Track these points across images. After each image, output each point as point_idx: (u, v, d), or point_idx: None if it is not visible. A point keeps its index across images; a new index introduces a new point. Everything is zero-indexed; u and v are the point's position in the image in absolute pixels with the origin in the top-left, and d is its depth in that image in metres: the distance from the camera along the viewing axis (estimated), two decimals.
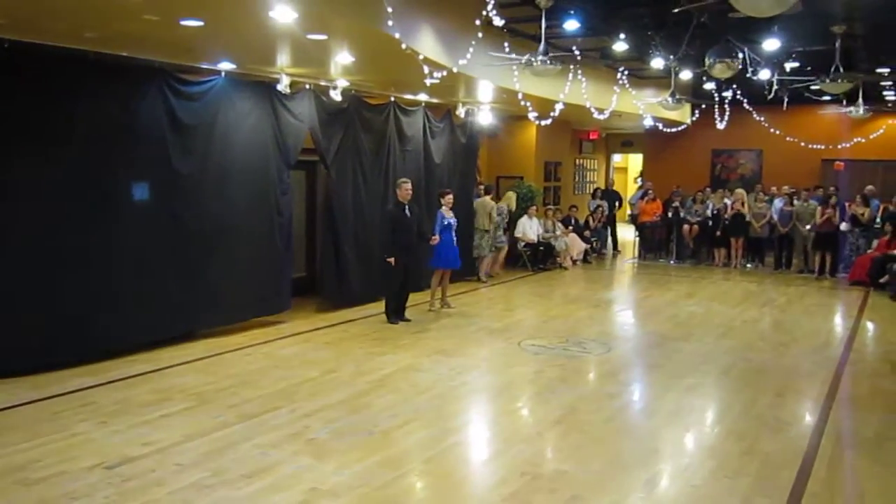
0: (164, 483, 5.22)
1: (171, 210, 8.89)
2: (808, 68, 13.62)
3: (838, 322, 11.86)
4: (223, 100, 9.44)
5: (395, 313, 10.59)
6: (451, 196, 11.53)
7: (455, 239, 11.50)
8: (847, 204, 15.92)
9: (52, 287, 7.74)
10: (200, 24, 6.93)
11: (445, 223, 11.30)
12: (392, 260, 10.32)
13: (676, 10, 9.39)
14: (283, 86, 10.15)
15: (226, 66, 9.39)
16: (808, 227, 15.79)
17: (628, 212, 20.10)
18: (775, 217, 16.54)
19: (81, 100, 7.91)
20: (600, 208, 19.10)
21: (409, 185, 10.62)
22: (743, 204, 16.80)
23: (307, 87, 10.65)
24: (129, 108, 8.36)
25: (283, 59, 9.30)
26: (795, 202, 16.30)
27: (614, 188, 21.44)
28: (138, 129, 8.45)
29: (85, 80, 7.95)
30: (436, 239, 11.01)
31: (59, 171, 7.75)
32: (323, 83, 10.91)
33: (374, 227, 11.60)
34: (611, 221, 19.45)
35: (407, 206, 10.52)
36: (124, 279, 8.37)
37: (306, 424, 6.47)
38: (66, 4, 6.32)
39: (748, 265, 17.14)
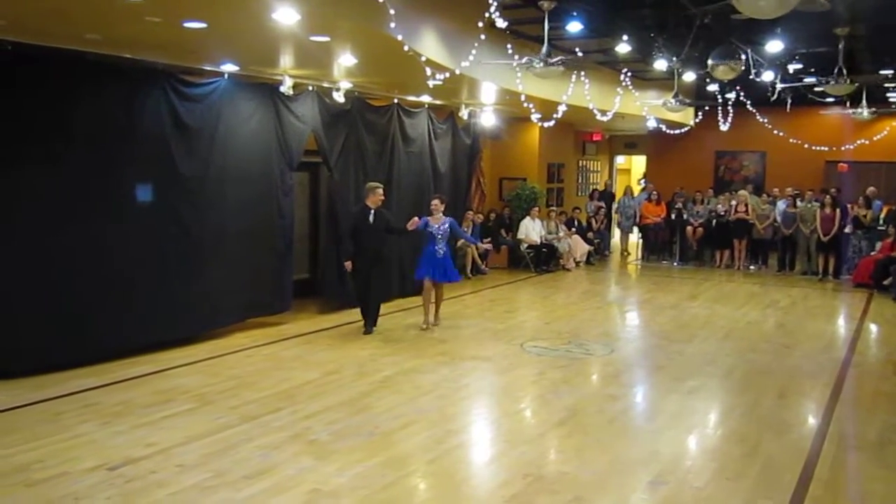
0: (165, 484, 5.22)
1: (173, 211, 8.90)
2: (812, 70, 13.62)
3: (841, 324, 11.83)
4: (226, 101, 9.45)
5: (367, 322, 10.21)
6: (436, 201, 10.41)
7: (444, 250, 10.26)
8: (850, 206, 15.90)
9: (54, 288, 7.75)
10: (203, 25, 6.94)
11: (428, 231, 10.22)
12: (348, 264, 10.03)
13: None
14: (286, 87, 10.16)
15: (229, 67, 9.39)
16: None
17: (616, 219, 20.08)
18: (778, 219, 16.53)
19: (84, 101, 7.92)
20: (602, 210, 19.11)
21: (381, 191, 10.06)
22: (746, 206, 16.78)
23: (310, 88, 10.66)
24: (131, 109, 8.37)
25: (286, 60, 9.31)
26: (799, 204, 16.27)
27: (611, 190, 21.46)
28: (141, 131, 8.46)
29: (87, 82, 7.98)
30: (414, 222, 10.02)
31: (61, 173, 7.77)
32: (326, 85, 10.92)
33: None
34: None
35: (372, 212, 9.94)
36: (126, 281, 8.37)
37: (308, 426, 6.46)
38: (69, 6, 6.32)
39: (751, 267, 17.13)
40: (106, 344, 8.21)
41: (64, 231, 7.80)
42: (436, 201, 10.40)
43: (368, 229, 9.96)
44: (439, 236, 10.18)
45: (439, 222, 10.22)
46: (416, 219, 10.16)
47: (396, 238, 10.79)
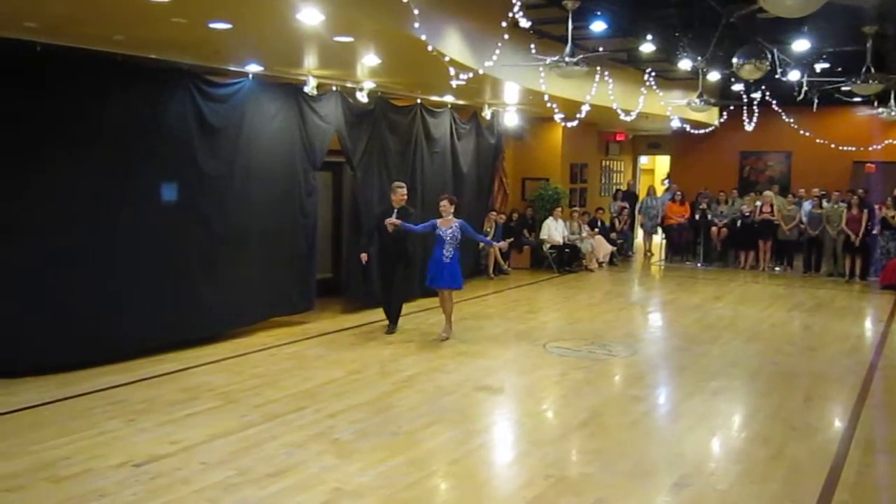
0: (189, 481, 5.27)
1: (198, 211, 8.97)
2: (839, 69, 13.46)
3: (868, 326, 11.69)
4: (250, 101, 9.51)
5: (392, 319, 10.26)
6: (444, 202, 9.71)
7: (451, 254, 9.55)
8: (877, 206, 15.70)
9: (81, 286, 7.83)
10: (228, 26, 6.98)
11: (436, 234, 9.60)
12: (364, 256, 10.11)
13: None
14: (310, 88, 10.20)
15: (253, 68, 9.45)
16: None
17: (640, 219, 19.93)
18: (804, 220, 16.37)
19: (110, 102, 8.01)
20: (625, 210, 19.02)
21: (402, 190, 9.98)
22: (771, 206, 16.64)
23: (334, 88, 10.69)
24: (156, 109, 8.45)
25: (309, 61, 9.35)
26: (825, 204, 16.11)
27: (635, 191, 21.34)
28: (166, 131, 8.54)
29: (114, 82, 8.06)
30: (391, 222, 9.53)
31: (87, 172, 7.86)
32: (349, 85, 10.95)
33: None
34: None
35: (396, 211, 9.81)
36: (151, 279, 8.45)
37: (331, 424, 6.49)
38: (97, 8, 6.39)
39: (776, 268, 16.97)
40: (132, 342, 8.29)
41: (91, 230, 7.90)
42: (444, 202, 9.70)
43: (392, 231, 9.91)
44: (448, 239, 9.50)
45: (448, 225, 9.54)
46: (393, 219, 9.62)
47: (421, 237, 10.66)
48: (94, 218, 7.91)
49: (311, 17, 6.43)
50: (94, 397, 7.10)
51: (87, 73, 7.83)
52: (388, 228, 9.62)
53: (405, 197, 10.10)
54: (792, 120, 18.39)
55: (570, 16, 9.11)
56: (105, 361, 7.99)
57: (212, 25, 6.95)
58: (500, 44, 9.02)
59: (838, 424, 6.97)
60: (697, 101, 13.39)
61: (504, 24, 8.63)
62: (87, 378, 7.60)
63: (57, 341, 7.66)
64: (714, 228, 17.58)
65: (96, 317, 7.95)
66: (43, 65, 7.45)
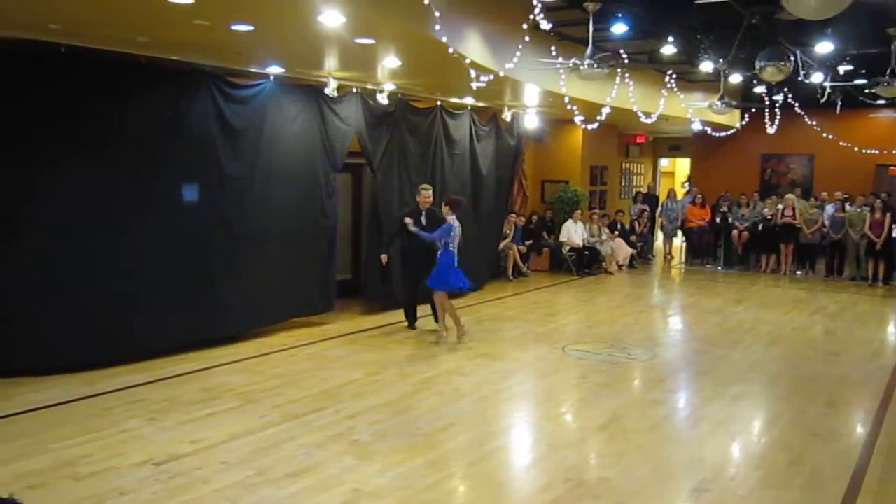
0: (209, 481, 5.30)
1: (219, 212, 9.03)
2: (863, 71, 13.33)
3: (891, 331, 11.58)
4: (271, 103, 9.55)
5: (410, 317, 10.47)
6: (446, 207, 9.68)
7: (447, 256, 9.53)
8: None
9: (103, 286, 7.90)
10: (250, 28, 7.02)
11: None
12: (384, 257, 10.21)
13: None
14: (331, 89, 10.24)
15: (274, 69, 9.49)
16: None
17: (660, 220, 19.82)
18: (827, 223, 16.23)
19: (133, 102, 8.09)
20: (645, 213, 18.94)
21: (428, 192, 10.25)
22: (793, 210, 16.51)
23: (354, 90, 10.72)
24: (178, 110, 8.51)
25: (330, 62, 9.38)
26: (848, 208, 15.96)
27: (655, 193, 21.23)
28: (188, 132, 8.60)
29: (136, 84, 8.14)
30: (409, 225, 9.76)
31: (110, 173, 7.93)
32: (370, 87, 10.97)
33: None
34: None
35: (423, 213, 10.10)
36: (173, 279, 8.52)
37: (350, 425, 6.50)
38: (121, 10, 6.44)
39: (798, 272, 16.83)
40: (153, 341, 8.35)
41: (114, 230, 7.97)
42: (446, 207, 9.68)
43: (420, 229, 10.00)
44: (450, 243, 9.51)
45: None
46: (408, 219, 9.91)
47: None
48: (116, 218, 7.98)
49: (332, 19, 6.45)
50: (115, 396, 7.16)
51: (110, 75, 7.89)
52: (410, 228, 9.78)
53: (430, 199, 10.21)
54: (814, 122, 18.23)
55: (591, 18, 9.08)
56: (126, 361, 8.05)
57: (234, 27, 6.99)
58: (520, 46, 9.00)
59: (860, 430, 6.90)
60: (719, 103, 13.31)
61: (525, 26, 8.62)
62: (108, 377, 7.66)
63: (78, 341, 7.72)
64: (735, 231, 17.45)
65: (118, 316, 8.01)
66: (67, 66, 7.52)
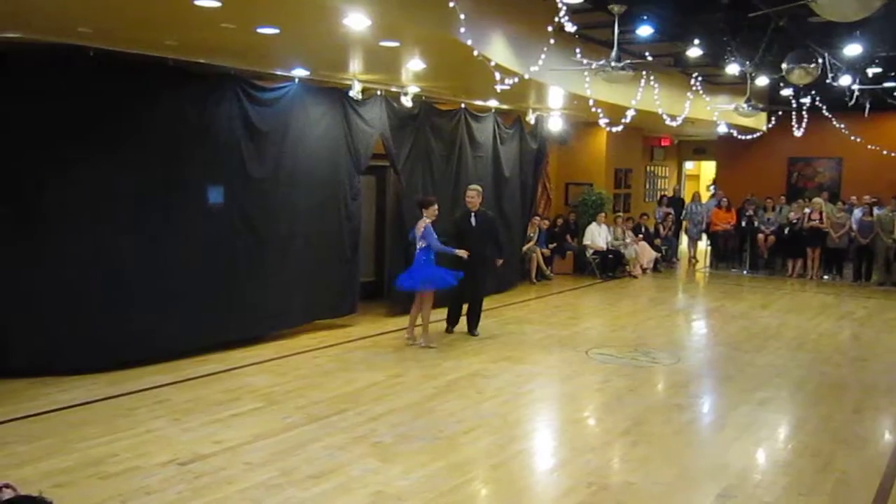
0: (233, 481, 5.33)
1: (243, 214, 9.09)
2: (892, 73, 13.18)
3: None
4: (296, 105, 9.61)
5: (452, 320, 10.45)
6: (434, 207, 9.56)
7: (427, 257, 9.46)
8: None
9: (127, 288, 7.99)
10: (276, 31, 7.06)
11: (414, 237, 9.54)
12: (464, 253, 9.63)
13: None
14: (355, 92, 10.26)
15: (299, 72, 9.54)
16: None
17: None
18: (855, 227, 16.04)
19: (159, 105, 8.18)
20: (670, 216, 18.83)
21: (475, 193, 10.21)
22: (820, 214, 16.34)
23: (378, 93, 10.75)
24: (204, 113, 8.59)
25: (355, 65, 9.40)
26: (876, 212, 15.76)
27: (680, 196, 21.11)
28: (213, 134, 8.68)
29: (163, 86, 8.22)
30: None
31: (136, 175, 8.02)
32: (394, 89, 10.99)
33: (443, 233, 11.53)
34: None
35: (473, 215, 10.14)
36: (197, 281, 8.58)
37: (373, 427, 6.52)
38: (150, 14, 6.50)
39: (825, 277, 16.65)
40: (177, 342, 8.41)
41: (140, 231, 8.06)
42: (434, 207, 9.60)
43: (471, 232, 9.99)
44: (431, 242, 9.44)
45: (422, 227, 9.47)
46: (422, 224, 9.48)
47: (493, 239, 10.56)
48: (142, 219, 8.07)
49: (357, 23, 6.47)
50: (140, 396, 7.22)
51: (137, 77, 7.98)
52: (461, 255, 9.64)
53: (478, 200, 10.20)
54: (843, 125, 18.03)
55: (617, 20, 9.05)
56: (150, 362, 8.12)
57: (260, 30, 7.03)
58: (545, 48, 8.98)
59: (889, 437, 6.83)
60: (745, 106, 13.20)
61: (550, 28, 8.61)
62: (133, 377, 7.74)
63: (103, 342, 7.80)
64: (761, 235, 17.33)
65: (142, 317, 8.08)
66: (95, 69, 7.61)
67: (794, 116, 17.46)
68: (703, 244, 19.41)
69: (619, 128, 13.65)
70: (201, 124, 8.55)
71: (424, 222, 9.44)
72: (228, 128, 8.82)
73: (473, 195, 10.23)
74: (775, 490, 5.44)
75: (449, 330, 10.40)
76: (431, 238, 9.41)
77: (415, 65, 9.05)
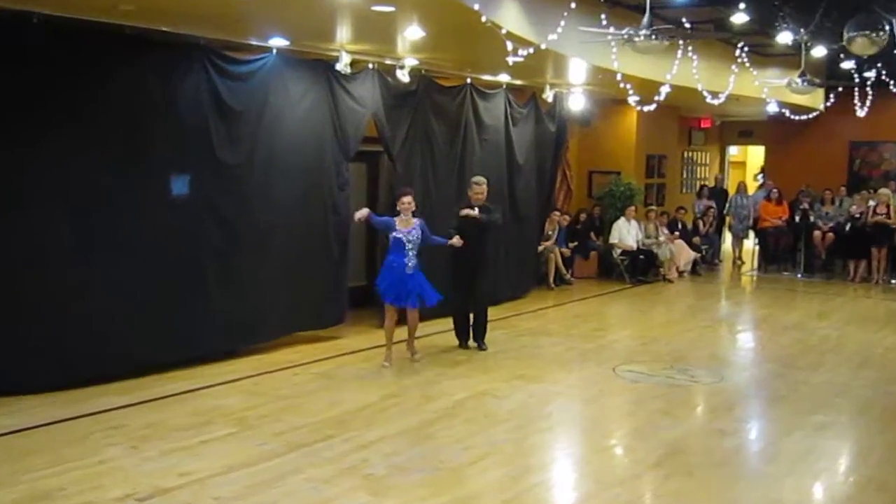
0: None
1: (213, 206, 9.09)
2: None
3: None
4: (274, 80, 9.61)
5: (462, 334, 10.42)
6: (408, 198, 9.30)
7: (413, 262, 9.27)
8: None
9: (74, 292, 7.95)
10: None
11: (393, 237, 9.26)
12: (458, 241, 9.61)
13: None
14: (343, 65, 10.26)
15: (278, 42, 9.55)
16: None
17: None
18: None
19: (115, 80, 8.15)
20: (711, 210, 18.82)
21: (481, 188, 10.19)
22: (887, 207, 16.33)
23: (370, 66, 10.76)
24: (167, 88, 8.58)
25: (343, 34, 9.42)
26: None
27: (723, 187, 21.12)
28: (178, 114, 8.68)
29: (119, 58, 8.18)
30: (363, 214, 9.21)
31: (86, 159, 7.96)
32: (388, 62, 11.00)
33: (445, 229, 11.54)
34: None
35: (476, 209, 10.07)
36: (158, 285, 8.56)
37: (364, 457, 6.52)
38: None
39: (893, 281, 16.66)
40: (136, 357, 8.40)
41: (88, 224, 8.02)
42: (408, 198, 9.33)
43: (470, 228, 9.96)
44: (409, 245, 9.21)
45: (409, 226, 9.26)
46: (365, 210, 9.38)
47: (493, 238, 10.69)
48: (91, 212, 8.02)
49: None
50: (93, 420, 7.23)
51: (89, 48, 7.96)
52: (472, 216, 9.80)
53: (484, 194, 10.23)
54: None
55: None
56: (105, 380, 8.10)
57: None
58: (565, 14, 9.01)
59: None
60: (799, 81, 13.23)
61: None
62: (85, 398, 7.73)
63: (50, 357, 7.79)
64: (817, 233, 17.32)
65: (94, 329, 8.06)
66: (40, 38, 7.56)
67: (856, 93, 17.47)
68: (750, 243, 19.42)
69: (652, 107, 13.69)
70: (163, 101, 8.54)
71: (411, 222, 9.29)
72: (195, 106, 8.81)
73: (481, 189, 10.21)
74: None
75: (462, 345, 10.35)
76: (430, 238, 9.46)
77: (413, 33, 9.05)
